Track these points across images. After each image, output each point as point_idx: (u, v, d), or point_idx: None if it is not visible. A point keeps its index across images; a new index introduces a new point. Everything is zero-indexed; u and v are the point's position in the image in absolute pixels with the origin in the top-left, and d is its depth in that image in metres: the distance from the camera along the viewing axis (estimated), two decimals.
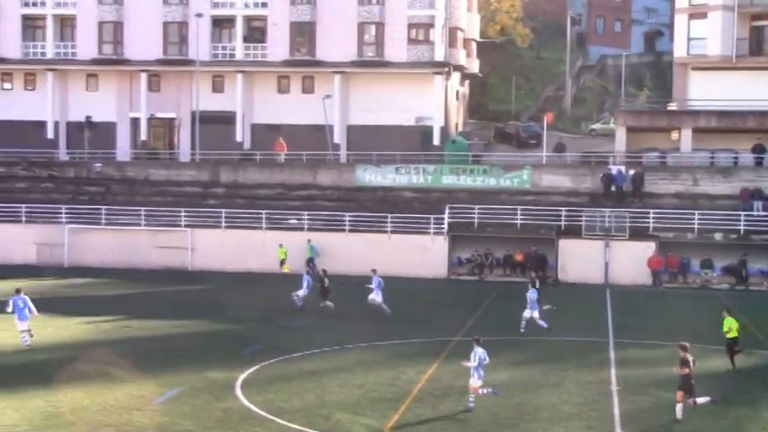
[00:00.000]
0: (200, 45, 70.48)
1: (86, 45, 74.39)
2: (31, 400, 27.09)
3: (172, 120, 75.39)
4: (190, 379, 30.01)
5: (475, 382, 26.90)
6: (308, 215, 58.35)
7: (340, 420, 25.71)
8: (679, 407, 25.95)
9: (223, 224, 58.82)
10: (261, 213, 58.67)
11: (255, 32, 74.79)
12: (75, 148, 73.35)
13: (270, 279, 53.61)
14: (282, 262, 56.39)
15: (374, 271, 43.02)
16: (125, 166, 68.40)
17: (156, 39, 73.52)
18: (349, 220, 57.88)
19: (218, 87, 74.38)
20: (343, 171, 65.14)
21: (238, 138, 73.21)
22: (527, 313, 38.57)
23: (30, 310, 34.97)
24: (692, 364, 26.00)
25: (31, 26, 76.22)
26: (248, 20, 74.40)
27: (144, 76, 74.27)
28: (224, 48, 73.93)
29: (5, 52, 75.23)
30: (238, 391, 28.56)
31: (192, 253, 58.21)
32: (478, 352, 27.09)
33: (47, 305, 43.85)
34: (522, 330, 38.54)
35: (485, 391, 26.95)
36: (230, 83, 73.82)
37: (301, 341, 36.36)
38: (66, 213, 59.90)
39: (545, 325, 38.41)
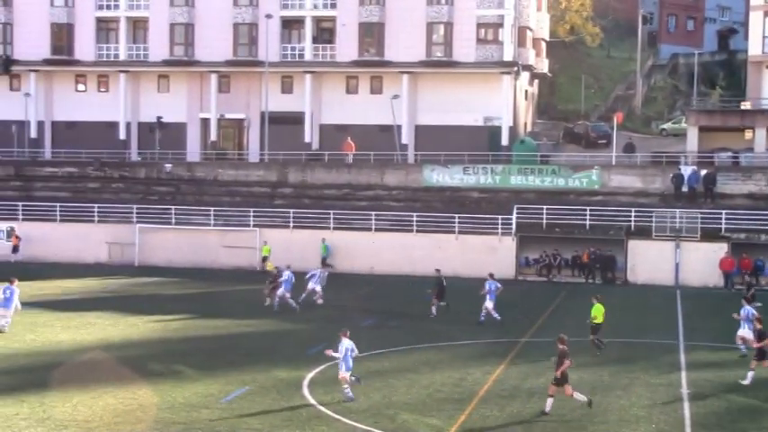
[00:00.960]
0: (269, 46, 70.92)
1: (158, 47, 75.33)
2: (102, 396, 27.46)
3: (241, 120, 76.02)
4: (257, 378, 30.19)
5: (343, 373, 27.53)
6: (375, 215, 58.38)
7: (406, 421, 25.67)
8: (549, 401, 26.37)
9: (291, 224, 59.11)
10: (328, 213, 58.85)
11: (324, 33, 75.12)
12: (145, 148, 74.36)
13: (336, 279, 53.73)
14: (265, 259, 56.41)
15: (491, 275, 41.67)
16: (195, 167, 69.09)
17: (226, 40, 74.18)
18: (416, 221, 57.80)
19: (286, 88, 74.80)
20: (411, 171, 65.09)
21: (307, 138, 73.55)
22: (488, 304, 40.14)
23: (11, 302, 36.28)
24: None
25: (104, 28, 77.42)
26: (317, 21, 74.75)
27: (214, 77, 74.97)
28: (293, 48, 74.34)
29: (80, 54, 76.52)
30: (305, 391, 28.66)
31: (260, 252, 58.51)
32: (345, 344, 27.76)
33: (117, 304, 44.68)
34: (481, 320, 40.15)
35: (352, 379, 27.77)
36: (299, 83, 74.20)
37: (368, 341, 36.32)
38: (136, 213, 60.66)
39: (498, 317, 39.83)
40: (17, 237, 60.49)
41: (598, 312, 35.32)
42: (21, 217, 61.30)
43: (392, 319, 41.89)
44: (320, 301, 44.43)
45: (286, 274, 42.93)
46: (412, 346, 35.88)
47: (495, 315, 40.25)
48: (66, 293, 48.38)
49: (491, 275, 41.52)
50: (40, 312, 41.61)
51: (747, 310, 34.52)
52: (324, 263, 55.45)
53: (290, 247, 57.82)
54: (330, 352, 28.07)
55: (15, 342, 35.26)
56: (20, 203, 61.99)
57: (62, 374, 30.33)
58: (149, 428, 24.63)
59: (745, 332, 33.94)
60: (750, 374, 29.72)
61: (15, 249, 60.21)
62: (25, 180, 67.92)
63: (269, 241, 57.58)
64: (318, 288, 44.72)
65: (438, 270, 44.13)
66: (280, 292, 43.03)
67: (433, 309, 42.29)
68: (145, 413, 25.98)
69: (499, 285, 40.98)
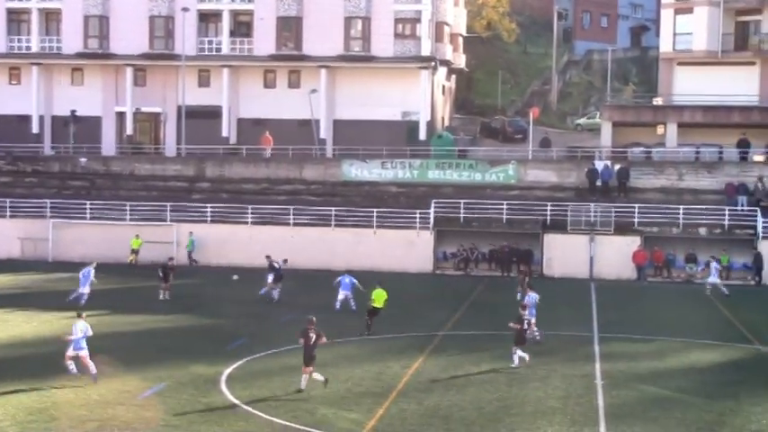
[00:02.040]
0: (186, 39, 70.26)
1: (72, 39, 74.09)
2: (14, 395, 26.98)
3: (157, 114, 75.18)
4: (174, 374, 29.97)
5: (70, 352, 28.74)
6: (294, 210, 58.29)
7: (325, 415, 25.71)
8: (304, 377, 27.90)
9: (209, 219, 58.73)
10: (246, 208, 58.59)
11: (242, 27, 74.68)
12: (60, 142, 73.10)
13: (255, 274, 53.49)
14: (133, 251, 57.05)
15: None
16: (110, 161, 68.23)
17: (142, 33, 73.29)
18: (335, 215, 57.84)
19: (204, 82, 74.19)
20: (330, 166, 65.10)
21: (224, 132, 73.05)
22: (341, 295, 41.63)
23: None
24: (315, 337, 28.25)
25: (15, 20, 75.92)
26: (235, 14, 74.27)
27: (130, 70, 74.02)
28: (210, 42, 73.77)
29: None
30: (223, 386, 28.53)
31: (177, 247, 58.02)
32: (79, 325, 28.85)
33: (31, 300, 43.92)
34: (337, 308, 41.41)
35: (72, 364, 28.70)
36: (216, 77, 73.65)
37: (286, 336, 36.27)
38: (50, 208, 59.68)
39: (354, 307, 40.52)
40: None
41: (378, 297, 37.27)
42: None
43: (312, 313, 41.74)
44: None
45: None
46: (330, 339, 35.83)
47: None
48: None
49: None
50: None
51: (532, 296, 36.62)
52: (190, 257, 56.92)
53: (208, 242, 57.51)
54: (67, 336, 28.99)
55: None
56: None
57: None
58: (65, 426, 24.29)
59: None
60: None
61: None
62: None
63: (139, 234, 58.03)
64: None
65: (269, 256, 46.15)
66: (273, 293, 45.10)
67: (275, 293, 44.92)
68: (59, 411, 25.62)
69: (355, 281, 42.30)
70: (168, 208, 59.00)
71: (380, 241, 56.82)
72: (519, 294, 41.59)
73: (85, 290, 42.99)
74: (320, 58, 71.87)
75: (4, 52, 75.07)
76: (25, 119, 74.88)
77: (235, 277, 47.97)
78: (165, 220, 58.71)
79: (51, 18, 75.68)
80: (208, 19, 74.42)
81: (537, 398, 27.85)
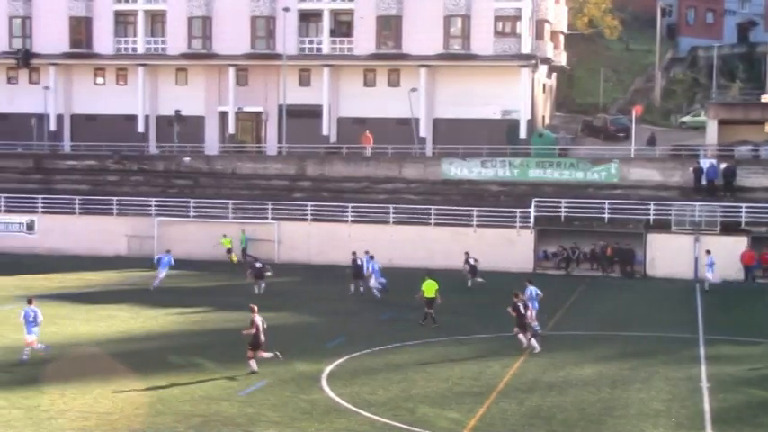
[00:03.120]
0: (287, 39, 70.95)
1: (176, 40, 75.44)
2: (122, 389, 27.55)
3: (259, 113, 76.09)
4: (276, 371, 30.23)
5: (30, 337, 30.51)
6: (393, 209, 58.39)
7: (425, 414, 25.66)
8: (253, 362, 29.44)
9: (309, 217, 59.17)
10: (347, 207, 58.89)
11: (342, 26, 75.09)
12: (164, 141, 74.54)
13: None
14: (229, 251, 57.90)
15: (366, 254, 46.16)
16: (213, 160, 69.23)
17: (244, 33, 74.25)
18: (435, 214, 57.77)
19: (304, 81, 74.83)
20: (429, 164, 65.04)
21: (325, 131, 73.56)
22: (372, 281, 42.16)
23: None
24: (261, 324, 29.79)
25: (122, 22, 77.62)
26: (335, 14, 74.73)
27: (232, 70, 75.05)
28: (311, 42, 74.35)
29: (98, 48, 76.74)
30: (324, 383, 28.70)
31: (278, 245, 58.66)
32: (28, 310, 30.66)
33: (137, 296, 44.85)
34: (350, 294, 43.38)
35: (39, 346, 30.76)
36: (317, 77, 74.20)
37: (386, 334, 36.41)
38: (155, 206, 60.84)
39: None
40: None
41: (429, 288, 37.95)
42: (40, 209, 61.56)
43: (411, 312, 41.85)
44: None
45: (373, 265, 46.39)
46: (431, 339, 35.87)
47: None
48: (87, 286, 48.61)
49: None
50: (60, 305, 41.86)
51: (531, 289, 36.75)
52: (244, 253, 57.11)
53: (309, 241, 57.94)
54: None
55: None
56: (39, 196, 62.26)
57: (83, 367, 30.49)
58: (169, 421, 24.71)
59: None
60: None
61: None
62: (45, 173, 68.21)
63: (227, 234, 58.81)
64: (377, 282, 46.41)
65: (354, 253, 47.52)
66: (371, 282, 45.86)
67: (351, 287, 46.07)
68: (165, 405, 26.08)
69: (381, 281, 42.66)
70: (269, 206, 59.61)
71: (480, 240, 56.52)
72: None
73: (162, 274, 47.15)
74: (420, 57, 71.85)
75: (112, 54, 76.77)
76: (131, 118, 76.52)
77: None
78: (266, 219, 59.33)
79: (156, 20, 77.19)
80: (308, 19, 75.02)
81: (640, 400, 27.38)
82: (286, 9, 70.55)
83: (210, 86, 76.48)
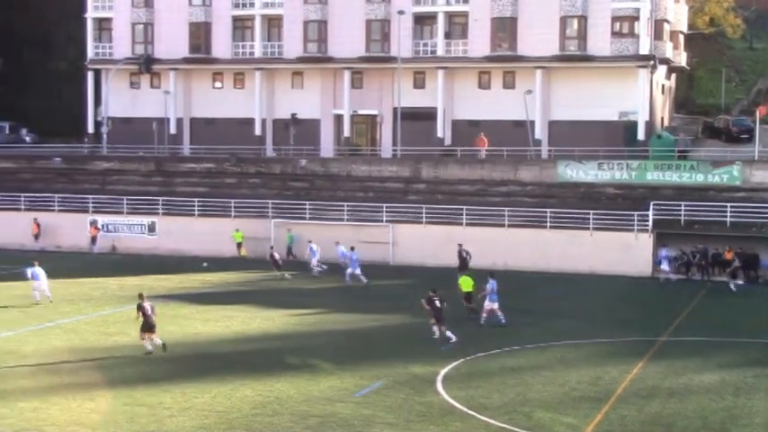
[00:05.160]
0: (401, 42, 71.12)
1: (292, 44, 76.32)
2: (240, 388, 27.97)
3: (374, 116, 76.42)
4: (391, 372, 30.28)
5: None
6: (508, 211, 57.98)
7: (541, 419, 25.39)
8: (146, 343, 32.31)
9: (424, 219, 59.17)
10: (461, 209, 58.71)
11: (456, 28, 74.88)
12: (280, 144, 75.48)
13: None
14: (239, 245, 58.53)
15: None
16: (329, 162, 69.78)
17: (359, 37, 74.67)
18: (550, 217, 57.18)
19: (419, 84, 74.89)
20: (545, 167, 64.38)
21: (439, 134, 73.50)
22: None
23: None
24: (149, 309, 32.83)
25: (240, 27, 78.84)
26: (449, 16, 74.55)
27: (347, 73, 75.57)
28: (425, 44, 74.37)
29: (217, 53, 78.11)
30: (439, 386, 28.63)
31: (393, 248, 58.81)
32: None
33: (254, 297, 45.45)
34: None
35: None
36: (431, 79, 74.18)
37: (501, 337, 36.15)
38: (272, 208, 61.58)
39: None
40: (96, 228, 62.57)
41: (465, 283, 39.66)
42: (161, 211, 62.92)
43: (527, 315, 41.49)
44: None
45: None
46: (547, 343, 35.48)
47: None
48: (205, 287, 49.48)
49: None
50: (180, 305, 42.73)
51: (492, 283, 38.44)
52: (289, 252, 58.06)
53: (423, 243, 57.89)
54: None
55: (158, 334, 36.13)
56: (160, 198, 63.66)
57: (202, 366, 31.04)
58: (286, 421, 24.95)
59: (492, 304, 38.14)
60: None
61: (94, 240, 62.44)
62: (166, 176, 69.68)
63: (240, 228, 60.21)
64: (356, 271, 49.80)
65: (461, 245, 50.48)
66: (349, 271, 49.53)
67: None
68: (282, 406, 26.35)
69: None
70: (384, 209, 59.80)
71: (596, 243, 55.70)
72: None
73: (314, 262, 52.90)
74: (535, 59, 71.20)
75: (230, 58, 78.10)
76: (248, 122, 77.70)
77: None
78: (380, 221, 59.53)
79: (273, 24, 78.16)
80: (423, 21, 75.01)
81: (766, 409, 26.56)
82: (401, 12, 70.72)
83: (326, 90, 77.14)
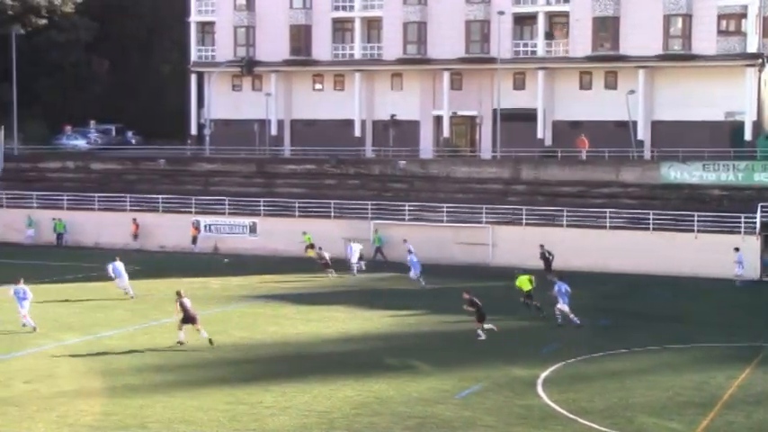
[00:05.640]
0: (501, 43, 70.76)
1: (391, 46, 76.53)
2: (340, 388, 28.09)
3: (473, 117, 76.18)
4: (491, 375, 30.11)
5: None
6: (610, 213, 57.19)
7: (645, 423, 24.97)
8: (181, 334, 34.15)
9: (524, 221, 58.71)
10: (562, 211, 58.10)
11: (557, 28, 74.21)
12: (380, 145, 75.73)
13: (568, 277, 52.86)
14: (310, 247, 58.05)
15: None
16: (428, 164, 69.69)
17: (458, 38, 74.52)
18: (653, 219, 56.22)
19: (519, 84, 74.46)
20: (648, 168, 63.29)
21: (539, 135, 72.94)
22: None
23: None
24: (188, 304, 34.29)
25: (340, 29, 79.36)
26: (550, 16, 73.95)
27: (447, 74, 75.47)
28: (525, 45, 73.88)
29: (317, 55, 78.76)
30: (540, 389, 28.37)
31: (492, 249, 58.48)
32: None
33: (354, 298, 45.63)
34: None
35: None
36: (531, 80, 73.66)
37: (603, 341, 35.66)
38: (371, 209, 61.78)
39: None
40: (196, 229, 63.46)
41: (522, 282, 40.47)
42: (262, 212, 63.62)
43: (629, 318, 40.89)
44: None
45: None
46: (649, 346, 34.89)
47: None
48: (306, 287, 49.83)
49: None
50: (281, 305, 43.15)
51: (560, 285, 38.29)
52: (377, 253, 58.27)
53: (523, 245, 57.40)
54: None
55: (260, 333, 36.67)
56: (261, 199, 64.36)
57: (302, 365, 31.26)
58: (386, 422, 24.98)
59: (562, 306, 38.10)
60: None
61: (195, 240, 63.42)
62: (267, 177, 70.38)
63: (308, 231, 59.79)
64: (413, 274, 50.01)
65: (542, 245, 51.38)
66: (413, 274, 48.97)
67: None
68: (382, 406, 26.39)
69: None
70: (483, 210, 59.50)
71: (701, 246, 54.50)
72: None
73: (353, 261, 53.91)
74: (638, 58, 70.15)
75: (330, 60, 78.66)
76: (348, 123, 78.18)
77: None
78: (480, 222, 59.26)
79: (373, 26, 78.51)
80: (523, 22, 74.54)
81: None
82: (500, 12, 70.35)
83: (425, 91, 77.18)
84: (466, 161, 70.26)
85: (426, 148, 75.66)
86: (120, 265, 44.61)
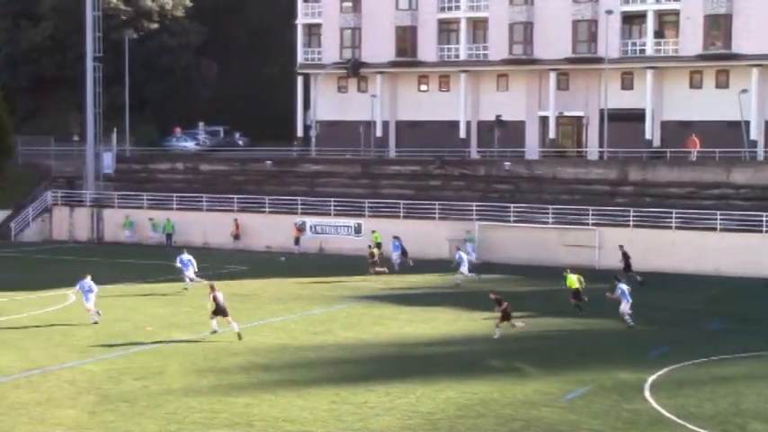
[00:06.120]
0: (609, 42, 69.80)
1: (497, 46, 76.13)
2: (444, 390, 28.05)
3: (580, 118, 75.34)
4: (597, 378, 29.73)
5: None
6: (720, 215, 55.93)
7: (757, 430, 24.35)
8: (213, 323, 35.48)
9: (631, 223, 57.79)
10: (671, 212, 57.04)
11: (667, 27, 72.91)
12: (485, 146, 75.40)
13: (678, 280, 52.01)
14: (379, 246, 57.12)
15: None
16: (533, 165, 69.14)
17: (565, 37, 73.77)
18: (766, 221, 54.80)
19: (626, 84, 73.37)
20: (761, 169, 61.77)
21: (647, 135, 71.75)
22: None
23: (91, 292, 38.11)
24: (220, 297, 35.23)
25: (445, 30, 79.26)
26: (659, 14, 72.68)
27: (553, 74, 74.78)
28: (633, 44, 72.76)
29: (422, 56, 78.80)
30: (647, 393, 27.90)
31: (599, 251, 57.69)
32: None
33: (458, 299, 45.53)
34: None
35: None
36: (639, 79, 72.51)
37: (712, 345, 34.90)
38: (476, 210, 61.55)
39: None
40: (299, 229, 63.99)
41: (571, 281, 41.56)
42: (367, 213, 63.92)
43: (740, 322, 39.94)
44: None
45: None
46: (761, 351, 34.00)
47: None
48: (410, 288, 49.91)
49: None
50: (386, 305, 43.31)
51: (621, 287, 38.62)
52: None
53: (631, 247, 56.48)
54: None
55: (364, 333, 36.86)
56: (366, 201, 64.67)
57: (406, 366, 31.30)
58: (491, 424, 24.85)
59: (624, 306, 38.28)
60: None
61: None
62: (371, 178, 70.70)
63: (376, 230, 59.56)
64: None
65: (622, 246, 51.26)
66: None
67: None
68: (486, 408, 26.27)
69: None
70: (590, 212, 58.77)
71: None
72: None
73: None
74: (752, 57, 68.46)
75: (436, 61, 78.64)
76: (453, 124, 78.03)
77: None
78: (587, 224, 58.54)
79: (478, 26, 78.22)
80: (631, 21, 73.43)
81: None
82: (609, 12, 69.40)
83: (531, 91, 76.59)
84: (572, 162, 69.51)
85: (532, 148, 75.08)
86: (188, 257, 45.69)
